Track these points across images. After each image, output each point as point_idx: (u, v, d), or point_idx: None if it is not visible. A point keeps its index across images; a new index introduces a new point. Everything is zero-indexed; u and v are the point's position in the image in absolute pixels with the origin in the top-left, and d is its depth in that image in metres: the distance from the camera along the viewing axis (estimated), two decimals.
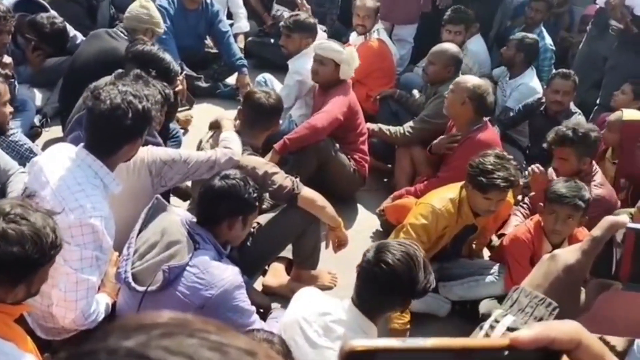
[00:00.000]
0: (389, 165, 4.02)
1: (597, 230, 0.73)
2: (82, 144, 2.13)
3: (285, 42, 4.16)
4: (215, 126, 3.09)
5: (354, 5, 4.63)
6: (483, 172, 2.63)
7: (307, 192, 2.78)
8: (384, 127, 3.87)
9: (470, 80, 3.36)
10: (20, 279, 1.54)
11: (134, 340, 0.42)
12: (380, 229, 3.55)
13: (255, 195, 2.26)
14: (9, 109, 2.45)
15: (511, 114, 4.18)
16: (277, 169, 2.82)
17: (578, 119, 3.88)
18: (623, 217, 1.54)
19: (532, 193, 3.25)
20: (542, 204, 2.72)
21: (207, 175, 2.50)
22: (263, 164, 2.81)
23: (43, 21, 3.77)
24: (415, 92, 4.43)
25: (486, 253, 3.36)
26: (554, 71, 4.57)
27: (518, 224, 3.04)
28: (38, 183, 2.07)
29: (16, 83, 3.21)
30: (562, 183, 2.65)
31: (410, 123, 3.84)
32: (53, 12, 3.95)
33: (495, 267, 2.90)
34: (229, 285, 2.05)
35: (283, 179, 2.76)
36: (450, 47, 3.94)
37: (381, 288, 1.84)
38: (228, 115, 3.21)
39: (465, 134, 3.33)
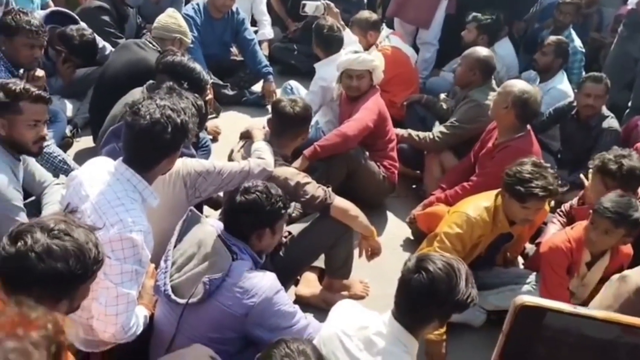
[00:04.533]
0: (418, 172, 3.98)
1: None
2: (121, 158, 2.14)
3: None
4: (246, 136, 3.09)
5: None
6: (521, 181, 2.58)
7: (339, 201, 2.77)
8: (414, 133, 3.84)
9: (517, 85, 3.27)
10: (63, 294, 1.54)
11: None
12: (411, 237, 3.52)
13: (279, 203, 2.21)
14: (39, 132, 2.46)
15: (542, 118, 4.12)
16: (309, 179, 2.81)
17: (610, 123, 3.80)
18: None
19: (571, 201, 3.19)
20: (590, 210, 2.65)
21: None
22: (295, 175, 2.80)
23: (73, 33, 3.83)
24: (442, 96, 4.39)
25: (520, 261, 3.31)
26: (584, 74, 4.50)
27: (555, 231, 2.97)
28: (78, 197, 2.08)
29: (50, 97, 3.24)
30: (613, 196, 2.57)
31: (440, 128, 3.80)
32: (82, 24, 4.00)
33: (532, 276, 2.85)
34: (269, 292, 2.05)
35: (315, 189, 2.75)
36: (480, 50, 3.89)
37: (420, 298, 1.80)
38: (258, 125, 3.21)
39: (506, 141, 3.27)
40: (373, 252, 2.87)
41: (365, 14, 4.63)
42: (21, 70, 3.20)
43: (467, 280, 1.82)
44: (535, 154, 3.22)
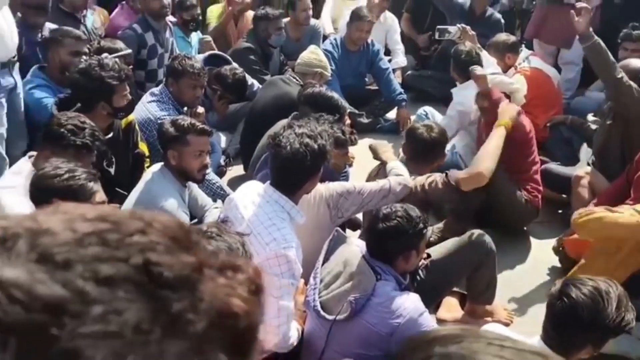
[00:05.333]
0: (564, 196, 3.79)
1: None
2: (269, 182, 2.34)
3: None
4: (374, 154, 3.18)
5: None
6: None
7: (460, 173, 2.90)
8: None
9: None
10: None
11: (454, 346, 0.50)
12: (557, 265, 3.36)
13: (420, 224, 2.25)
14: (203, 161, 2.75)
15: None
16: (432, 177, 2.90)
17: None
18: None
19: None
20: None
21: (382, 203, 2.59)
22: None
23: (226, 73, 4.24)
24: (590, 116, 4.16)
25: None
26: None
27: None
28: (235, 220, 2.31)
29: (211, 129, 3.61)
30: None
31: None
32: (234, 64, 4.42)
33: None
34: (414, 312, 2.10)
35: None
36: (634, 62, 3.62)
37: (564, 323, 1.76)
38: (383, 144, 3.29)
39: None
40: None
41: (502, 36, 4.57)
42: (185, 108, 3.61)
43: (620, 303, 1.74)
44: None
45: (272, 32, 4.92)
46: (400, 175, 2.81)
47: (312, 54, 4.14)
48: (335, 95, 3.40)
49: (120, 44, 3.76)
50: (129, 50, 3.63)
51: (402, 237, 2.22)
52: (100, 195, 2.06)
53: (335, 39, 5.02)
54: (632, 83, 3.27)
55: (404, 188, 2.75)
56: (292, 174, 2.28)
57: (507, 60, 4.42)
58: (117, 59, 3.01)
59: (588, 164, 3.73)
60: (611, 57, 3.38)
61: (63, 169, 2.01)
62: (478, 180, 2.96)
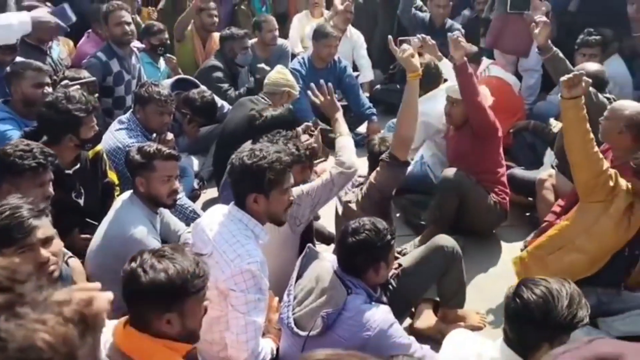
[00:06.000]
0: (531, 199, 3.90)
1: None
2: (233, 202, 2.39)
3: None
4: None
5: None
6: None
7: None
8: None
9: (628, 106, 3.07)
10: (167, 306, 1.67)
11: None
12: None
13: (388, 236, 2.31)
14: (172, 186, 2.75)
15: None
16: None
17: None
18: None
19: None
20: None
21: (331, 196, 2.72)
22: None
23: (195, 96, 4.28)
24: (552, 120, 4.29)
25: None
26: None
27: None
28: (201, 241, 2.35)
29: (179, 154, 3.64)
30: None
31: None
32: (203, 87, 4.46)
33: None
34: (383, 324, 2.14)
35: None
36: (589, 66, 3.73)
37: (517, 323, 1.84)
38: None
39: (625, 163, 3.13)
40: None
41: None
42: (154, 135, 3.63)
43: (572, 301, 1.81)
44: None
45: (238, 52, 5.00)
46: (340, 161, 2.82)
47: (279, 74, 4.21)
48: (286, 111, 3.48)
49: (84, 73, 3.78)
50: (93, 78, 3.65)
51: (371, 250, 2.27)
52: (44, 231, 2.01)
53: (303, 58, 5.10)
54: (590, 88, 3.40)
55: (345, 175, 2.78)
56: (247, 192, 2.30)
57: None
58: (83, 91, 3.02)
59: (552, 167, 3.84)
60: (569, 65, 3.50)
61: (7, 206, 2.00)
62: (404, 143, 2.98)
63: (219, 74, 4.94)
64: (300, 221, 2.72)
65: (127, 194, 2.82)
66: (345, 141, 2.93)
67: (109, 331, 1.72)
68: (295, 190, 2.71)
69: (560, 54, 3.47)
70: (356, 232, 2.29)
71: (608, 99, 3.50)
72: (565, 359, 0.65)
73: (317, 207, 2.82)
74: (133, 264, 1.69)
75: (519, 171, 4.00)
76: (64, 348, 0.42)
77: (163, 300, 1.67)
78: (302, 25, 6.16)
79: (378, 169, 3.06)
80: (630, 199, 2.70)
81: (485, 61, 4.75)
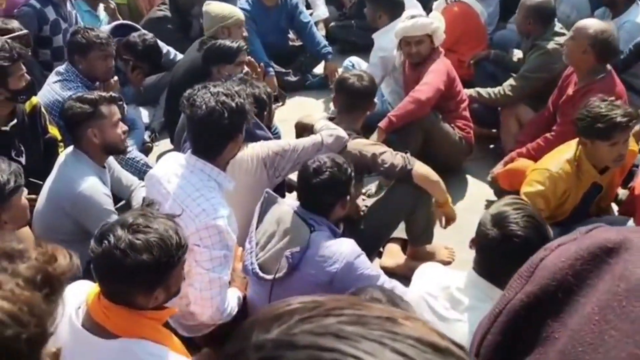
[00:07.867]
0: (494, 130, 3.85)
1: None
2: (190, 151, 2.23)
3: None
4: (301, 127, 3.09)
5: None
6: (597, 119, 2.44)
7: (420, 166, 2.75)
8: (482, 90, 3.71)
9: (591, 25, 3.06)
10: (155, 284, 1.60)
11: (276, 331, 0.43)
12: (494, 198, 3.41)
13: (349, 170, 2.29)
14: (122, 128, 2.61)
15: (621, 56, 3.83)
16: (384, 148, 2.80)
17: None
18: None
19: None
20: None
21: None
22: (370, 146, 2.81)
23: (136, 40, 3.99)
24: (514, 50, 4.20)
25: (614, 208, 3.12)
26: None
27: None
28: (159, 195, 2.20)
29: (124, 104, 3.41)
30: None
31: (510, 81, 3.66)
32: (143, 31, 4.17)
33: (630, 222, 2.69)
34: (349, 256, 2.11)
35: (393, 156, 2.74)
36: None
37: (513, 259, 1.76)
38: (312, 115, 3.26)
39: (588, 84, 3.09)
40: (448, 219, 2.82)
41: None
42: (97, 83, 3.39)
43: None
44: (620, 94, 3.02)
45: (195, 2, 4.65)
46: (332, 129, 2.74)
47: (206, 14, 3.94)
48: (237, 44, 3.33)
49: (15, 24, 3.47)
50: (25, 31, 3.34)
51: (337, 186, 2.25)
52: None
53: None
54: None
55: (338, 139, 2.69)
56: (210, 136, 2.16)
57: None
58: (6, 40, 2.75)
59: None
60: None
61: None
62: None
63: (171, 26, 4.60)
64: (280, 174, 2.63)
65: (70, 149, 2.63)
66: (327, 121, 2.88)
67: (82, 294, 1.60)
68: (283, 144, 2.63)
69: None
70: (319, 172, 2.23)
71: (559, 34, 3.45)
72: (562, 253, 0.55)
73: (299, 165, 2.71)
74: (105, 244, 1.54)
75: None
76: (30, 317, 0.32)
77: (149, 280, 1.57)
78: None
79: (383, 150, 2.79)
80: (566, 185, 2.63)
81: None
